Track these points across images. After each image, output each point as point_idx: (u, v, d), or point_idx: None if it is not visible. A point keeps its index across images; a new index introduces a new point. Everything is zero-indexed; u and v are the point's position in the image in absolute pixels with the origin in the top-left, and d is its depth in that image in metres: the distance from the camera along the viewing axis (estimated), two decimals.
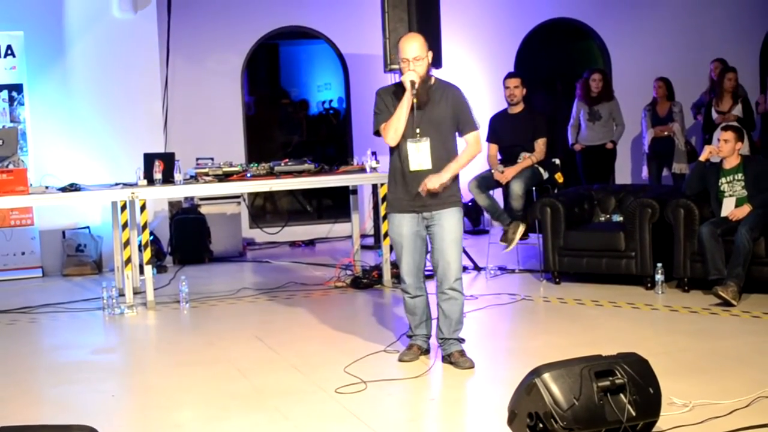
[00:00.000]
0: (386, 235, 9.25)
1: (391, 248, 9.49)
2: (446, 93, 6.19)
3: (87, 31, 10.95)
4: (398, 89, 6.19)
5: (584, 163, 11.77)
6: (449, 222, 6.14)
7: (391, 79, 10.94)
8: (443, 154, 6.12)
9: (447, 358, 6.25)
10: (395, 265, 9.38)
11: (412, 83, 6.00)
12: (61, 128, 10.82)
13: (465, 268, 6.23)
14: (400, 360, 6.32)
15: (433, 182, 6.02)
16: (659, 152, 11.78)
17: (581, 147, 11.76)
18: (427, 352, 6.43)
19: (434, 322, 6.44)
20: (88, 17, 10.96)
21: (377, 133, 6.24)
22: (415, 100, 5.99)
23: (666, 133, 11.69)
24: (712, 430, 4.75)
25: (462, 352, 6.23)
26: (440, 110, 6.12)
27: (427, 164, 6.07)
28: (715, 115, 11.06)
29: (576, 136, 11.81)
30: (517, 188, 9.17)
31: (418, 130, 6.05)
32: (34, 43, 10.68)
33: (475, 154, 6.24)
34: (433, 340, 6.47)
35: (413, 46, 6.08)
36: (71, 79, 10.92)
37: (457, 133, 6.24)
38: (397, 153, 6.17)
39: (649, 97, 12.16)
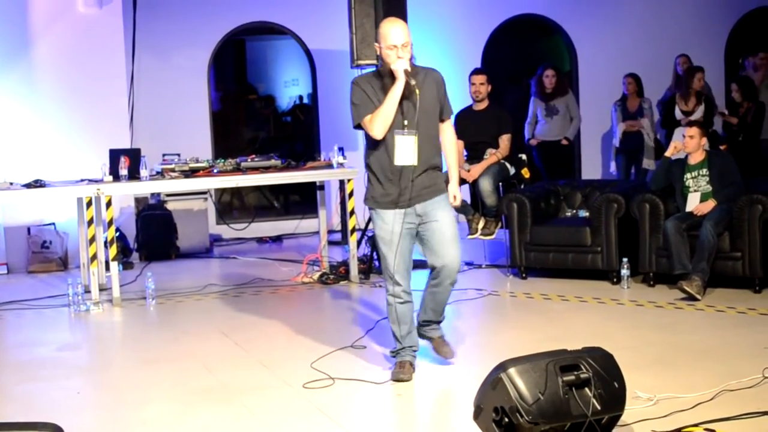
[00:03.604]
0: (354, 230, 9.25)
1: (365, 245, 9.56)
2: (428, 77, 5.83)
3: (52, 26, 10.87)
4: (377, 78, 5.81)
5: (542, 158, 11.80)
6: (444, 215, 5.82)
7: (357, 74, 10.94)
8: (429, 147, 5.81)
9: (428, 340, 6.15)
10: (362, 261, 9.39)
11: (407, 72, 5.61)
12: (25, 124, 10.74)
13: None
14: (398, 380, 5.79)
15: (457, 200, 5.99)
16: (629, 148, 11.86)
17: (537, 142, 11.81)
18: (414, 367, 5.95)
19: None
20: (52, 12, 10.87)
21: (358, 126, 5.83)
22: (417, 91, 5.60)
23: (635, 128, 11.77)
24: (676, 423, 4.78)
25: (443, 339, 6.14)
26: (427, 97, 5.75)
27: (413, 159, 5.70)
28: (679, 115, 11.12)
29: (533, 132, 11.87)
30: (486, 185, 9.20)
31: (406, 122, 5.69)
32: None
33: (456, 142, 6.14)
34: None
35: (400, 31, 5.65)
36: (36, 74, 10.84)
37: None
38: (383, 146, 5.75)
39: (615, 92, 12.23)
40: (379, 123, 5.68)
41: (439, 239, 5.80)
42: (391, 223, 5.78)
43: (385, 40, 5.67)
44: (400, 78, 5.62)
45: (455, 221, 5.92)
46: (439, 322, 6.16)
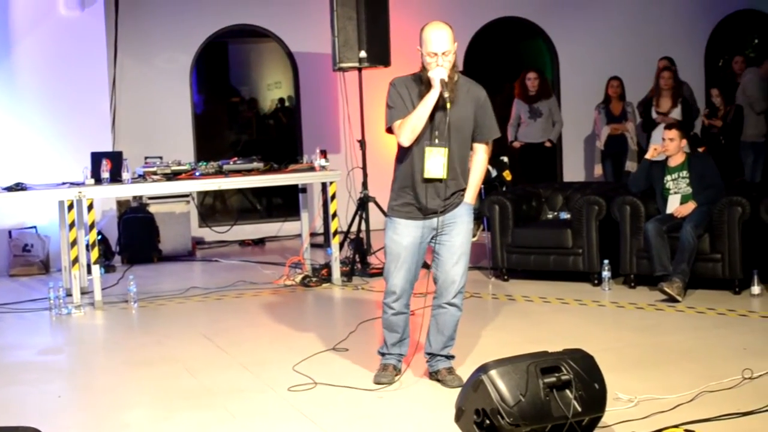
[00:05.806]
0: (336, 233, 9.25)
1: (347, 247, 9.55)
2: (470, 93, 5.58)
3: (33, 28, 10.83)
4: (416, 81, 5.56)
5: (524, 160, 11.81)
6: (461, 232, 5.63)
7: (339, 77, 10.97)
8: (458, 163, 5.55)
9: (434, 375, 5.81)
10: (345, 263, 9.40)
11: (443, 82, 5.36)
12: (6, 127, 10.70)
13: None
14: (377, 383, 5.77)
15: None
16: (614, 151, 11.89)
17: (520, 144, 11.83)
18: (399, 371, 5.88)
19: (424, 337, 5.98)
20: (34, 14, 10.83)
21: (389, 130, 5.57)
22: (448, 104, 5.35)
23: (620, 131, 11.81)
24: (656, 424, 4.80)
25: (450, 370, 5.77)
26: (463, 112, 5.51)
27: (442, 173, 5.46)
28: (654, 114, 11.18)
29: (515, 134, 11.88)
30: None
31: (436, 133, 5.45)
32: None
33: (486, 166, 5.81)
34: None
35: (443, 37, 5.43)
36: (17, 77, 10.80)
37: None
38: (410, 157, 5.53)
39: (596, 95, 12.25)
40: (407, 130, 5.44)
41: (447, 255, 5.67)
42: (402, 235, 5.63)
43: (426, 45, 5.48)
44: (435, 87, 5.39)
45: (469, 238, 5.72)
46: (445, 356, 5.83)
